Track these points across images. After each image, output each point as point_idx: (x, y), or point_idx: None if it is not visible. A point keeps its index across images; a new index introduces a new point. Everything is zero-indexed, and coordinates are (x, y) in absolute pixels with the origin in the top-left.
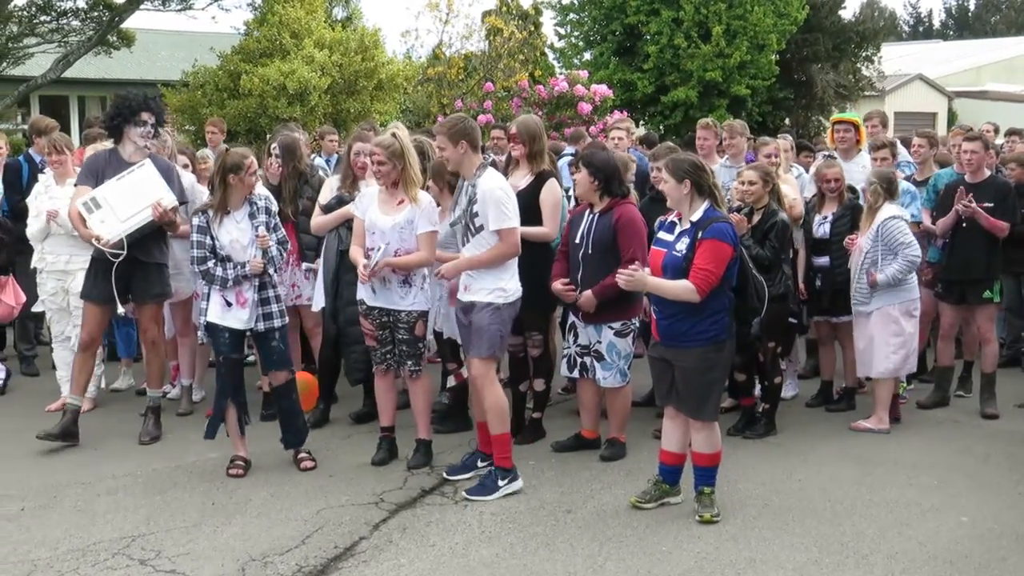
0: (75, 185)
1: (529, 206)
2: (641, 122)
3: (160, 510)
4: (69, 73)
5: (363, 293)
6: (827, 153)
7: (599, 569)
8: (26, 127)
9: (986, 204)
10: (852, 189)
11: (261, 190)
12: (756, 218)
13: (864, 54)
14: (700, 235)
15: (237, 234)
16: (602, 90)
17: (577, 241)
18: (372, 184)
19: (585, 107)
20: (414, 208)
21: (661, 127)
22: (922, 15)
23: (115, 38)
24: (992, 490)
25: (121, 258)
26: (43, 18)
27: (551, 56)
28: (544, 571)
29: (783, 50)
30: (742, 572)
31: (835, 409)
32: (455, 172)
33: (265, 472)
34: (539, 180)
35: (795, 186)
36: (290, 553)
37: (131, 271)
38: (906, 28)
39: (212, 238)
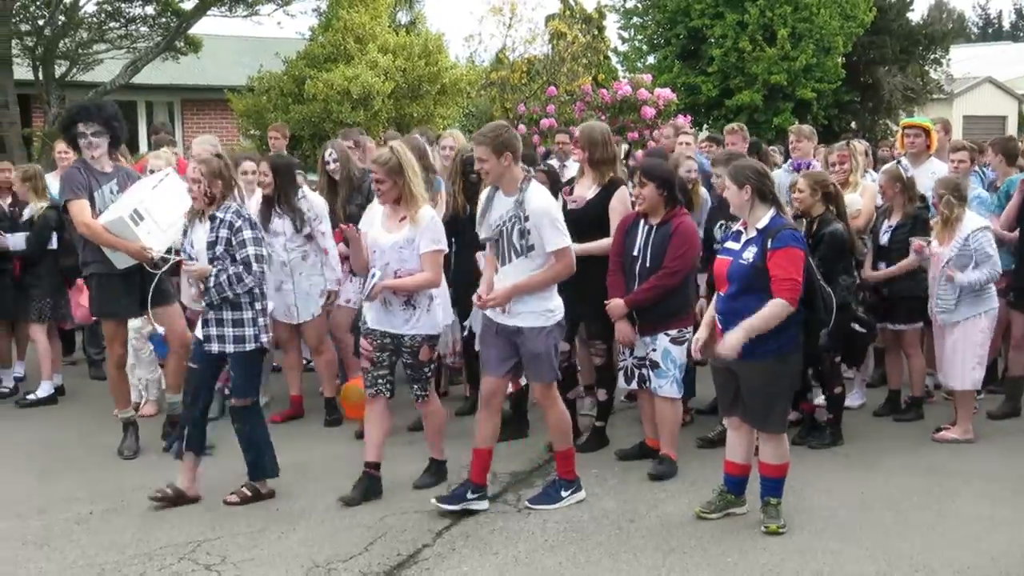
0: (68, 201)
1: (598, 217)
2: (705, 126)
3: (225, 516)
4: (137, 79)
5: (367, 314)
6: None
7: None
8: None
9: None
10: (922, 198)
11: (313, 197)
12: (813, 228)
13: (932, 56)
14: (771, 244)
15: (205, 243)
16: (666, 94)
17: (635, 254)
18: None
19: (649, 111)
20: (415, 226)
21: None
22: (991, 16)
23: (182, 44)
24: None
25: (167, 267)
26: (112, 24)
27: (614, 60)
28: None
29: (849, 53)
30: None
31: (903, 419)
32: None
33: (329, 478)
34: (608, 189)
35: (872, 194)
36: (353, 560)
37: (146, 281)
38: (975, 29)
39: (190, 243)
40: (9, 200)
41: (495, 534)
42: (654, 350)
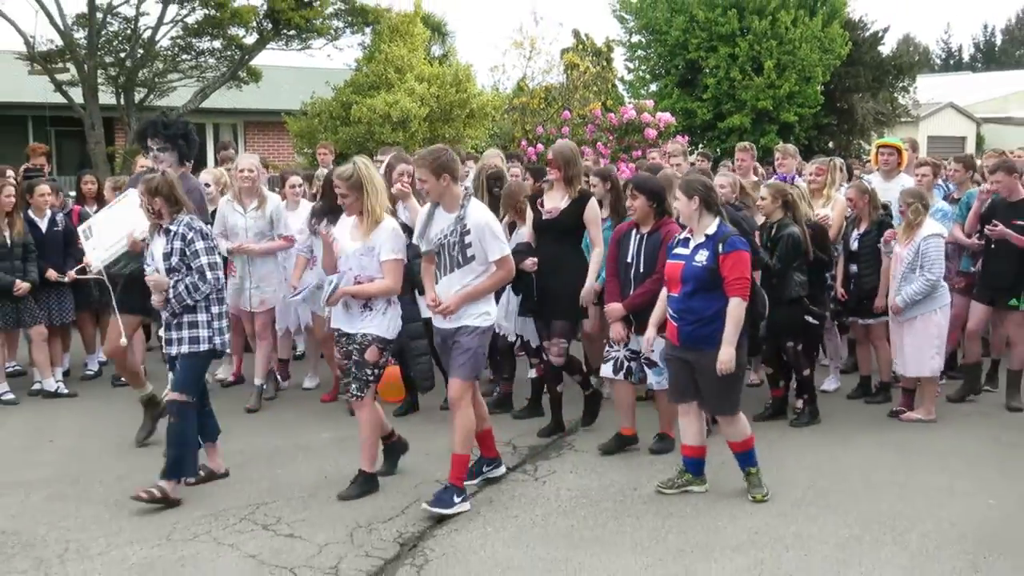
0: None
1: (569, 226)
2: (700, 145)
3: (281, 483)
4: (206, 104)
5: (332, 317)
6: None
7: (662, 540)
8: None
9: (1018, 222)
10: (885, 206)
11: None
12: (772, 230)
13: (901, 85)
14: (722, 248)
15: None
16: (666, 117)
17: (628, 260)
18: (412, 203)
19: (651, 132)
20: (375, 236)
21: (718, 150)
22: (953, 49)
23: (245, 74)
24: (1018, 477)
25: (86, 277)
26: (184, 57)
27: (621, 87)
28: (614, 541)
29: (828, 81)
30: (790, 546)
31: (873, 401)
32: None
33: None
34: (579, 201)
35: (842, 207)
36: (391, 521)
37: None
38: (938, 61)
39: (151, 256)
40: (95, 207)
41: (515, 500)
42: (653, 350)
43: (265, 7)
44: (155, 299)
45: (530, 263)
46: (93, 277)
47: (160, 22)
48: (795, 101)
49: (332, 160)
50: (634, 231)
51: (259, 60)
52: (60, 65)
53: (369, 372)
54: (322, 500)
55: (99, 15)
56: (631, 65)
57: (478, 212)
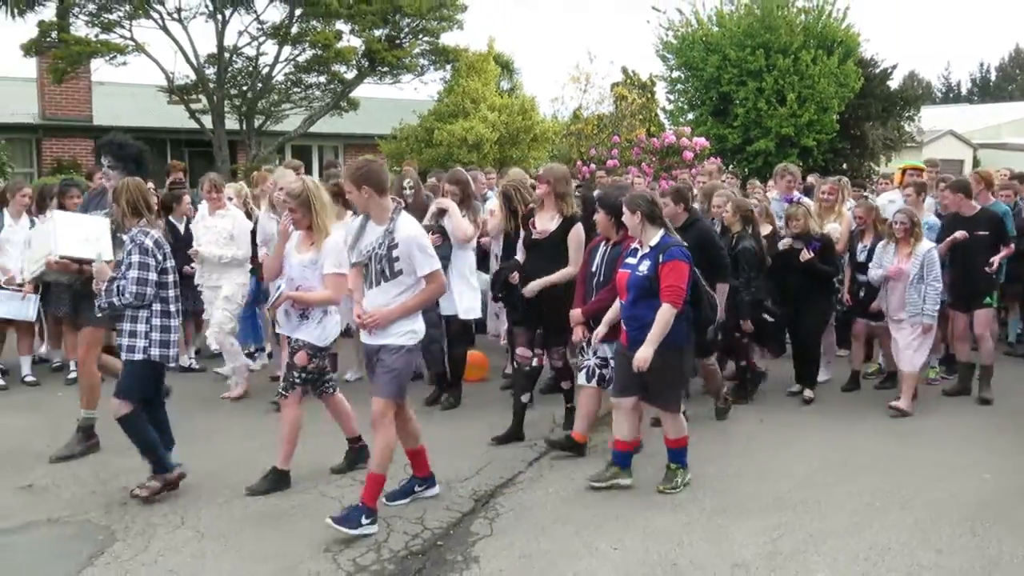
0: None
1: (557, 247)
2: (731, 166)
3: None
4: (312, 129)
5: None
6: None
7: (698, 502)
8: (271, 167)
9: (980, 232)
10: (885, 220)
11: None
12: (732, 241)
13: (907, 114)
14: (662, 258)
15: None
16: (701, 142)
17: (592, 270)
18: (454, 213)
19: (688, 155)
20: (319, 251)
21: (746, 170)
22: (952, 83)
23: (345, 104)
24: (1008, 455)
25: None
26: (295, 89)
27: (662, 116)
28: (657, 502)
29: (842, 111)
30: (810, 510)
31: (883, 387)
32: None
33: (451, 416)
34: (568, 223)
35: (848, 222)
36: (468, 480)
37: (82, 296)
38: (939, 94)
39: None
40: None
41: (573, 464)
42: (598, 346)
43: (363, 48)
44: (96, 285)
45: (515, 276)
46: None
47: (276, 61)
48: (814, 128)
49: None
50: (603, 244)
51: (357, 92)
52: (194, 96)
53: (296, 375)
54: (406, 461)
55: (226, 55)
56: (671, 97)
57: (407, 226)
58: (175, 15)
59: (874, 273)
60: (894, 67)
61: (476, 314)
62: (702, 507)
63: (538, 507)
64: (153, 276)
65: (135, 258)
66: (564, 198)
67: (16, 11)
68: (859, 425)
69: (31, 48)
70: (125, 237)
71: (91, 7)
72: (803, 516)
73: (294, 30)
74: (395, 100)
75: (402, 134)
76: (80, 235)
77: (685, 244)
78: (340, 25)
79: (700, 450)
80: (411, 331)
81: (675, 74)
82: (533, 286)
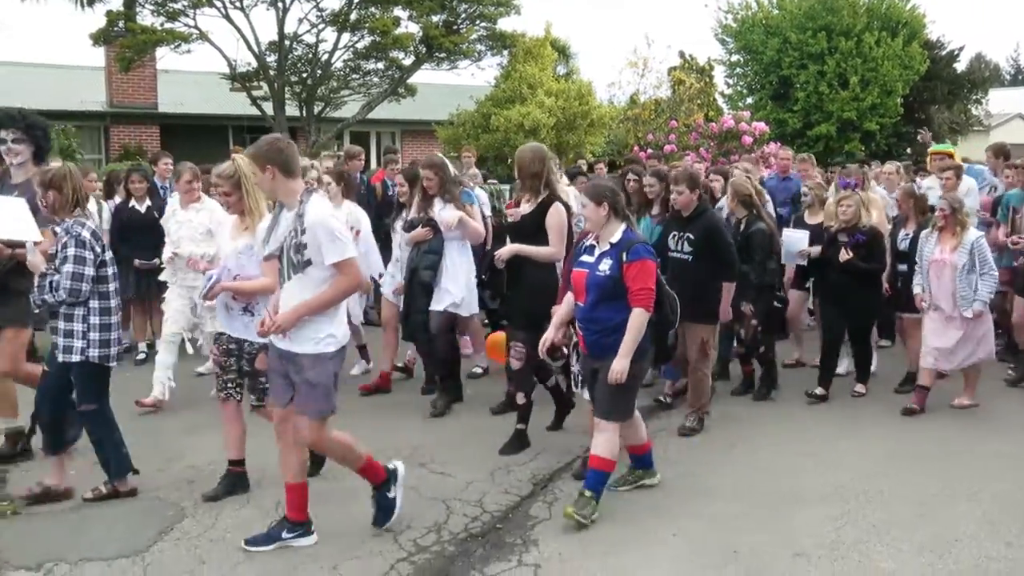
0: None
1: (532, 230)
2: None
3: (436, 430)
4: (370, 115)
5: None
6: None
7: (755, 489)
8: (340, 153)
9: None
10: (932, 208)
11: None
12: (742, 227)
13: (974, 97)
14: (626, 257)
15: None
16: (760, 126)
17: None
18: (438, 204)
19: (747, 139)
20: (254, 236)
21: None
22: (1022, 65)
23: (403, 90)
24: None
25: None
26: (354, 76)
27: (720, 101)
28: (712, 489)
29: (907, 94)
30: (873, 499)
31: (902, 391)
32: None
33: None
34: (543, 205)
35: (880, 207)
36: (525, 465)
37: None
38: (1008, 76)
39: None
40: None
41: (625, 452)
42: (549, 353)
43: (421, 34)
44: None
45: (500, 259)
46: None
47: (335, 48)
48: (877, 112)
49: (474, 162)
50: (587, 239)
51: (415, 78)
52: (255, 84)
53: (262, 380)
54: (471, 446)
55: (287, 42)
56: (730, 81)
57: (315, 209)
58: (237, 3)
59: (918, 277)
60: (961, 49)
61: (472, 309)
62: (761, 495)
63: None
64: (90, 271)
65: (71, 251)
66: (536, 180)
67: (85, 1)
68: (920, 416)
69: (99, 37)
70: (59, 229)
71: None
72: (865, 506)
73: (353, 17)
74: (452, 86)
75: (459, 120)
76: (7, 215)
77: (645, 239)
78: (398, 11)
79: (756, 438)
80: (329, 335)
81: (734, 58)
82: (503, 252)
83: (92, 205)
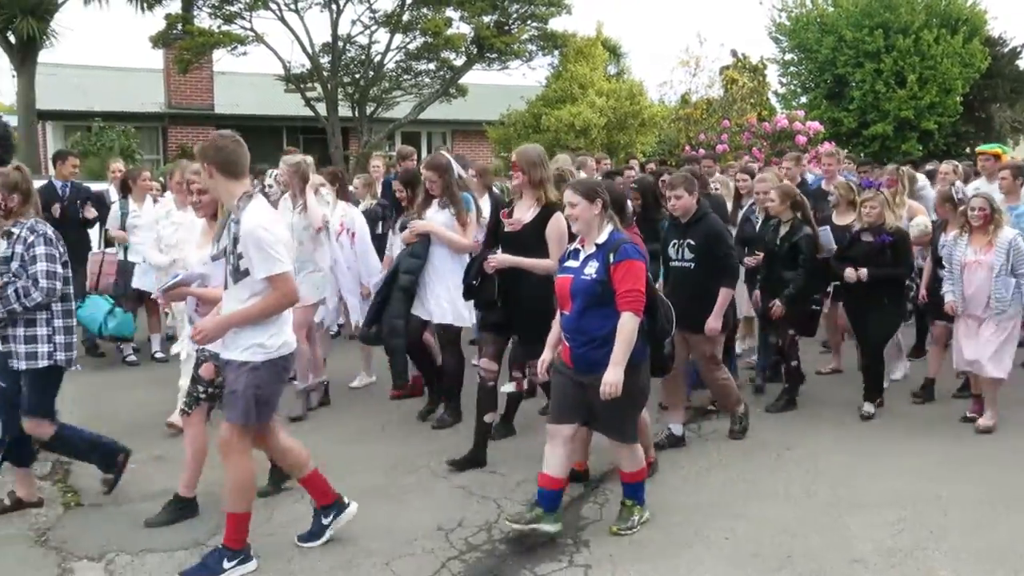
0: None
1: (533, 241)
2: (846, 150)
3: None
4: (422, 116)
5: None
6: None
7: (813, 495)
8: (392, 153)
9: None
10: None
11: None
12: (784, 230)
13: None
14: (613, 258)
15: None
16: (815, 126)
17: None
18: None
19: (801, 139)
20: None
21: (861, 155)
22: None
23: (454, 90)
24: None
25: None
26: (405, 77)
27: (773, 100)
28: (769, 493)
29: (967, 93)
30: (931, 505)
31: (919, 401)
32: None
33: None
34: (546, 212)
35: (921, 214)
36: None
37: None
38: None
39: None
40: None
41: (681, 453)
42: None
43: (472, 35)
44: None
45: (491, 263)
46: None
47: (387, 49)
48: (935, 111)
49: None
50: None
51: (465, 79)
52: (309, 85)
53: (201, 389)
54: (518, 443)
55: (340, 44)
56: (783, 80)
57: (251, 216)
58: (292, 5)
59: (947, 283)
60: (1023, 46)
61: (464, 321)
62: (816, 500)
63: (647, 494)
64: (60, 269)
65: (40, 250)
66: (542, 185)
67: (145, 5)
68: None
69: (159, 40)
70: (18, 229)
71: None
72: (922, 512)
73: (405, 18)
74: (503, 86)
75: (510, 120)
76: None
77: (632, 239)
78: (450, 12)
79: (808, 444)
80: (258, 345)
81: (788, 56)
82: (501, 258)
83: (147, 203)
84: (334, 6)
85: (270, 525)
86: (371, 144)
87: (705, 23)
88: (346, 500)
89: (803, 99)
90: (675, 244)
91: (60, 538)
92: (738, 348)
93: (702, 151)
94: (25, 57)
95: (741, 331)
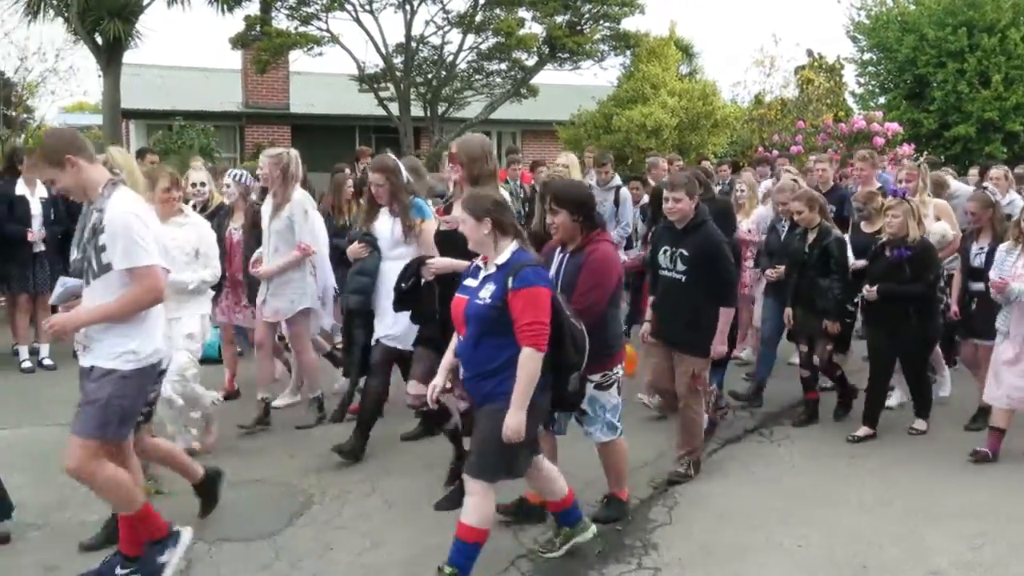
0: None
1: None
2: (925, 153)
3: None
4: (492, 115)
5: None
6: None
7: (887, 504)
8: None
9: None
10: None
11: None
12: (812, 236)
13: None
14: (512, 283)
15: None
16: (893, 127)
17: None
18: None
19: (879, 140)
20: None
21: (942, 157)
22: None
23: (525, 90)
24: None
25: None
26: (477, 77)
27: (850, 100)
28: (841, 501)
29: None
30: (1013, 519)
31: (972, 428)
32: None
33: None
34: None
35: (949, 215)
36: (645, 467)
37: None
38: None
39: None
40: None
41: (753, 458)
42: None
43: (544, 35)
44: None
45: (429, 269)
46: None
47: (460, 49)
48: (1021, 112)
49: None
50: (558, 250)
51: (537, 79)
52: (382, 84)
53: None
54: (585, 445)
55: (413, 44)
56: (861, 80)
57: (117, 204)
58: (367, 6)
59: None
60: None
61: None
62: (891, 509)
63: (717, 497)
64: None
65: None
66: (482, 180)
67: (226, 7)
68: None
69: (238, 41)
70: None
71: (291, 1)
72: (1005, 526)
73: (478, 18)
74: (574, 86)
75: (580, 120)
76: None
77: (539, 260)
78: (522, 12)
79: (885, 454)
80: (128, 351)
81: (866, 56)
82: (440, 262)
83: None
84: (408, 7)
85: (341, 518)
86: (442, 144)
87: (780, 23)
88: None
89: (881, 99)
90: (667, 251)
91: None
92: (739, 351)
93: (775, 152)
94: (111, 58)
95: (750, 340)
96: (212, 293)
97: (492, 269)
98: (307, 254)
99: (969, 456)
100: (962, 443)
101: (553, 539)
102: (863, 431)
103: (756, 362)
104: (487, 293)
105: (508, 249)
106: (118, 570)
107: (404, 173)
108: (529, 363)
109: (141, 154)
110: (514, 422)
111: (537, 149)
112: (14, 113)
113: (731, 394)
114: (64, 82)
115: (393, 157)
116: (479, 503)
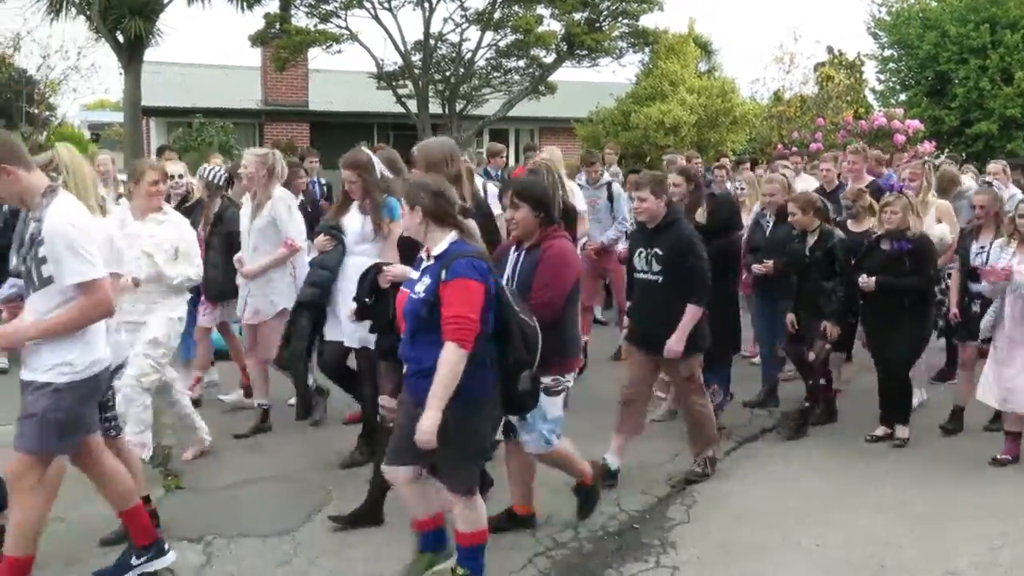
0: None
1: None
2: (947, 149)
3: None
4: (510, 113)
5: None
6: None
7: (906, 504)
8: (482, 151)
9: None
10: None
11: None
12: (812, 239)
13: None
14: (444, 275)
15: None
16: (914, 124)
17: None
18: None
19: (899, 138)
20: None
21: (963, 154)
22: None
23: (543, 88)
24: None
25: None
26: (495, 74)
27: (871, 97)
28: (859, 501)
29: None
30: None
31: (992, 428)
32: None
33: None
34: None
35: (950, 217)
36: (663, 465)
37: None
38: None
39: None
40: None
41: (771, 458)
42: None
43: (563, 32)
44: None
45: (386, 276)
46: None
47: (478, 46)
48: None
49: (616, 159)
50: (514, 248)
51: (555, 76)
52: (401, 82)
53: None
54: (605, 441)
55: (432, 42)
56: (882, 77)
57: (56, 214)
58: (386, 4)
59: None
60: None
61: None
62: (910, 510)
63: (735, 497)
64: None
65: None
66: (453, 183)
67: (245, 4)
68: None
69: (257, 39)
70: None
71: None
72: None
73: (496, 15)
74: (592, 83)
75: (598, 117)
76: None
77: (480, 252)
78: (541, 9)
79: (906, 455)
80: (65, 363)
81: (887, 52)
82: (398, 269)
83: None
84: (427, 4)
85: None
86: (460, 141)
87: (800, 19)
88: (166, 547)
89: (902, 96)
90: (641, 253)
91: (162, 520)
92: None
93: (795, 149)
94: (132, 56)
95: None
96: (189, 295)
97: (431, 261)
98: (295, 250)
99: (990, 463)
100: (982, 443)
101: (413, 566)
102: (881, 431)
103: (761, 364)
104: (422, 287)
105: (446, 240)
106: (133, 560)
107: (379, 169)
108: (449, 360)
109: (160, 151)
110: (426, 425)
111: (555, 146)
112: (36, 110)
113: (744, 404)
114: (86, 80)
115: (367, 152)
116: (465, 512)
